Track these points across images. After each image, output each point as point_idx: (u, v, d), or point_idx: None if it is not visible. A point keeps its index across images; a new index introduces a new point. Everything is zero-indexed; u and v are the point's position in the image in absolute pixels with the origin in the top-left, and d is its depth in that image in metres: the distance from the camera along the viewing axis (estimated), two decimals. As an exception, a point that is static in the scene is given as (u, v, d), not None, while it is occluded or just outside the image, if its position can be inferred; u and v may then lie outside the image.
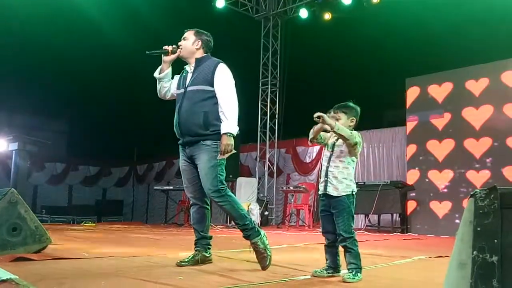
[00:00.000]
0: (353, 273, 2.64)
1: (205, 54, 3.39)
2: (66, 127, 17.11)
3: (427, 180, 8.86)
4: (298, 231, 8.86)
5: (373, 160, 10.60)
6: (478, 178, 8.24)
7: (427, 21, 9.64)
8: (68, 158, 16.63)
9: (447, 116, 8.82)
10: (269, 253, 3.03)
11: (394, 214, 8.70)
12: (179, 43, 3.39)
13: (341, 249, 2.79)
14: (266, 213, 11.27)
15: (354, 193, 2.80)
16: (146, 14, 10.93)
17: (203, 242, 3.29)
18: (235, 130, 3.15)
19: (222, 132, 3.12)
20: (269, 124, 12.56)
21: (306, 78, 12.75)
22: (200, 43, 3.37)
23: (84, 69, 12.56)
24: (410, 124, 9.34)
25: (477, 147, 8.36)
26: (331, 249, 2.81)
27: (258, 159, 12.56)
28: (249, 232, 3.09)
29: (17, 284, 2.14)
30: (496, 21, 8.81)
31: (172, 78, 3.49)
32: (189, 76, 3.34)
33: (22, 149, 5.00)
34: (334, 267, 2.79)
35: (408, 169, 9.30)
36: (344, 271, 2.75)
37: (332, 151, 2.85)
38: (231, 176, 9.85)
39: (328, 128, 2.69)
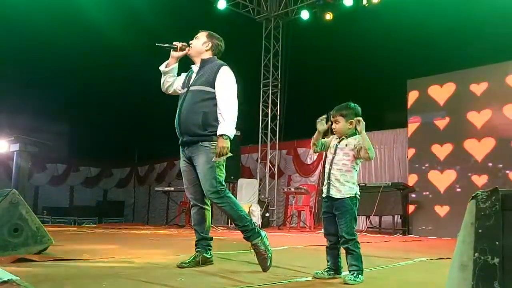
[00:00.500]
0: (355, 275, 2.63)
1: (212, 56, 3.40)
2: (67, 128, 17.11)
3: (428, 181, 8.85)
4: (299, 233, 8.85)
5: (374, 161, 10.58)
6: (480, 179, 8.23)
7: (428, 22, 9.63)
8: (69, 159, 16.64)
9: (449, 118, 8.82)
10: (269, 254, 3.02)
11: (395, 216, 8.70)
12: (190, 42, 3.42)
13: (342, 251, 2.79)
14: (267, 214, 11.26)
15: (357, 195, 2.80)
16: (147, 15, 10.94)
17: (203, 243, 3.29)
18: (231, 132, 3.13)
19: (218, 133, 3.11)
20: (270, 125, 12.56)
21: (307, 79, 12.75)
22: (210, 45, 3.38)
23: (85, 70, 12.57)
24: (412, 126, 9.33)
25: (478, 148, 8.35)
26: (332, 251, 2.81)
27: (259, 160, 12.56)
28: (249, 233, 3.08)
29: (18, 285, 2.15)
30: (498, 22, 8.80)
31: (179, 75, 3.51)
32: (193, 76, 3.36)
33: (23, 150, 5.01)
34: (335, 269, 2.79)
35: (409, 170, 9.29)
36: (345, 273, 2.74)
37: (335, 153, 2.85)
38: (232, 177, 9.86)
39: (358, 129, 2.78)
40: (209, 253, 3.29)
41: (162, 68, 3.46)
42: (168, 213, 12.37)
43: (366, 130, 2.78)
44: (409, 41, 9.94)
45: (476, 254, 1.37)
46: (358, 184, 2.88)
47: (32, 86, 13.00)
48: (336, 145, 2.86)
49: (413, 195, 8.91)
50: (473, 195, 1.46)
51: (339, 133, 2.87)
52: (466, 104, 8.64)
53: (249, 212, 9.56)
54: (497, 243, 1.35)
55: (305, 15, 11.86)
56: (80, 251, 3.91)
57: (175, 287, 2.38)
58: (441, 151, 8.79)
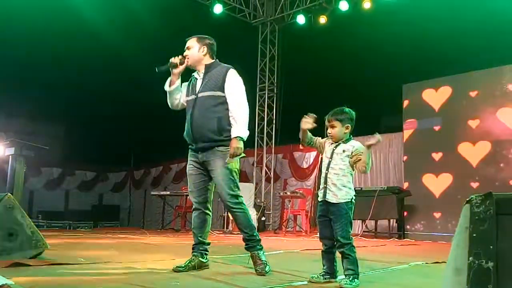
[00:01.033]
0: (350, 279, 2.64)
1: (214, 60, 3.40)
2: (62, 132, 17.05)
3: (423, 186, 8.87)
4: (295, 237, 8.85)
5: (370, 165, 10.59)
6: (475, 184, 8.25)
7: (424, 27, 9.68)
8: (65, 163, 16.55)
9: (444, 122, 8.85)
10: (268, 268, 3.07)
11: (391, 220, 8.70)
12: (185, 54, 3.40)
13: (338, 255, 2.79)
14: (263, 218, 11.25)
15: (353, 200, 2.81)
16: (143, 18, 10.95)
17: (200, 247, 3.29)
18: (245, 134, 3.17)
19: (232, 136, 3.14)
20: (266, 129, 12.57)
21: (303, 84, 12.78)
22: (205, 48, 3.38)
23: (81, 73, 12.55)
24: (407, 130, 9.36)
25: (473, 152, 8.38)
26: (328, 255, 2.81)
27: (255, 164, 12.55)
28: (254, 244, 3.13)
29: (13, 289, 2.13)
30: (496, 28, 8.86)
31: (180, 86, 3.49)
32: (199, 82, 3.35)
33: (18, 154, 4.99)
34: (331, 273, 2.79)
35: (405, 174, 9.31)
36: (341, 276, 2.75)
37: (331, 158, 2.86)
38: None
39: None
40: (205, 258, 3.29)
41: (166, 88, 3.43)
42: (164, 217, 12.31)
43: (361, 135, 2.79)
44: (404, 45, 9.99)
45: (470, 258, 1.37)
46: (354, 189, 2.89)
47: (28, 90, 12.96)
48: (333, 149, 2.87)
49: (409, 199, 8.92)
50: (468, 199, 1.47)
51: (335, 138, 2.87)
52: (462, 108, 8.67)
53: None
54: (491, 247, 1.36)
55: (301, 19, 11.89)
56: (75, 256, 3.90)
57: (171, 291, 2.38)
58: (436, 155, 8.82)
